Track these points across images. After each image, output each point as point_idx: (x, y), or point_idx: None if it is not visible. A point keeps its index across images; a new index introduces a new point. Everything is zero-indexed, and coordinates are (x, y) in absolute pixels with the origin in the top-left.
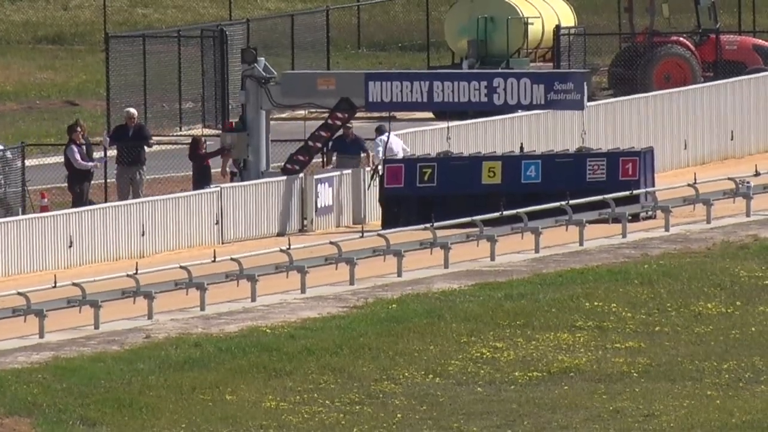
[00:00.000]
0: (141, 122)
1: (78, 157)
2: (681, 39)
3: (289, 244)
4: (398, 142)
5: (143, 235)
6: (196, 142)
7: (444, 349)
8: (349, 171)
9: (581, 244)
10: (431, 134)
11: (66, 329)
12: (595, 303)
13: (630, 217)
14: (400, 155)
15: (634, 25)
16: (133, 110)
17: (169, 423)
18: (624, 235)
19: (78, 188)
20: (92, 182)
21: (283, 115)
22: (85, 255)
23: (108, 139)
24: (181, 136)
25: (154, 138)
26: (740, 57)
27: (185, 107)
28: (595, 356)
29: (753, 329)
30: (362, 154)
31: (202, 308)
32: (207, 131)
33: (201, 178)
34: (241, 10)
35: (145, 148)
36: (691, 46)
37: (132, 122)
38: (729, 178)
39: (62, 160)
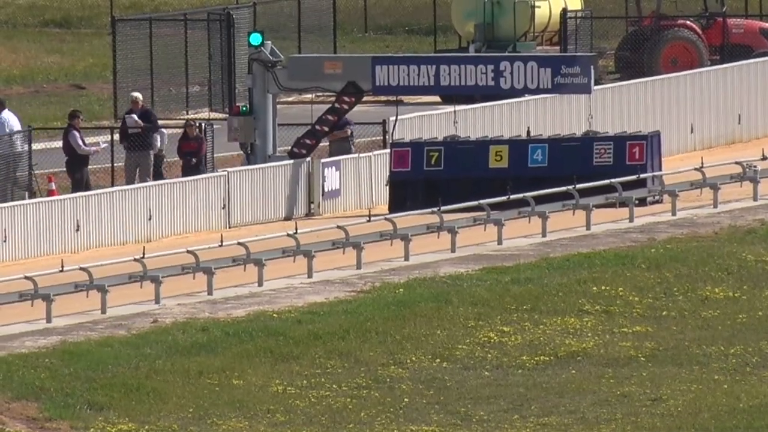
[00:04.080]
0: (148, 106)
1: (80, 142)
2: (688, 22)
3: (296, 229)
4: (14, 119)
5: (150, 219)
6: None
7: (451, 333)
8: (356, 155)
9: (588, 228)
10: (438, 118)
11: (73, 314)
12: (602, 287)
13: (637, 202)
14: (17, 128)
15: (641, 9)
16: (137, 94)
17: (176, 407)
18: (631, 220)
19: (78, 173)
20: (99, 166)
21: (290, 99)
22: (92, 239)
23: (135, 117)
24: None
25: (160, 122)
26: (747, 40)
27: (192, 91)
28: (603, 340)
29: (760, 314)
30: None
31: (209, 293)
32: (214, 115)
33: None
34: None
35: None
36: (698, 30)
37: (137, 106)
38: (736, 162)
39: None
